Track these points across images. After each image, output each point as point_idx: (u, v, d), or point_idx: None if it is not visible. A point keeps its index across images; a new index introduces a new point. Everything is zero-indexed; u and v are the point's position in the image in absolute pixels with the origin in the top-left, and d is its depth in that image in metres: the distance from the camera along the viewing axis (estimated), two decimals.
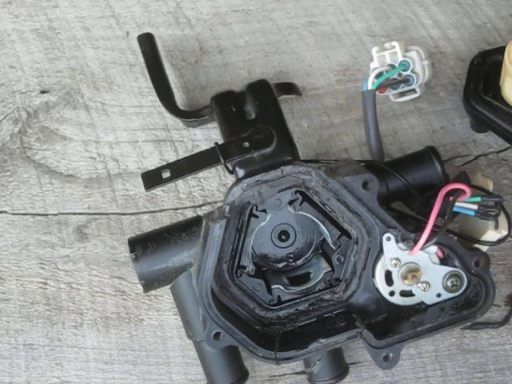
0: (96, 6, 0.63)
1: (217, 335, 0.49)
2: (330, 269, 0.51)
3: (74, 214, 0.59)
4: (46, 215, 0.59)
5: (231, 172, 0.51)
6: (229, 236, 0.49)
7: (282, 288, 0.52)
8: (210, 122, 0.59)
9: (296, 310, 0.52)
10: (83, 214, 0.59)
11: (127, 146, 0.60)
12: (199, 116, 0.57)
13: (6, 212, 0.59)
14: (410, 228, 0.49)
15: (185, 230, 0.52)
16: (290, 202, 0.51)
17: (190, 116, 0.58)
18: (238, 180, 0.50)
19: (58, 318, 0.58)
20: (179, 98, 0.60)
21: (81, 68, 0.62)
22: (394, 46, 0.56)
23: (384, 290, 0.50)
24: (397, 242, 0.49)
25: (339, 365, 0.53)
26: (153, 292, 0.57)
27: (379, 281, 0.50)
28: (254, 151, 0.50)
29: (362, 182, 0.48)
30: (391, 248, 0.49)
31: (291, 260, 0.53)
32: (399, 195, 0.52)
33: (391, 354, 0.49)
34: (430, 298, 0.50)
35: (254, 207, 0.50)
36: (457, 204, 0.49)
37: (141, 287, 0.52)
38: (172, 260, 0.51)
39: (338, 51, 0.62)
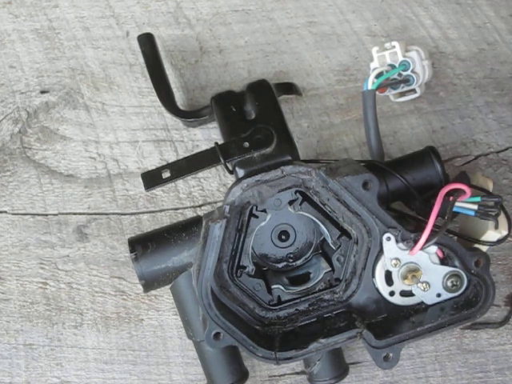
0: (96, 6, 0.63)
1: (217, 335, 0.49)
2: (329, 269, 0.51)
3: (74, 214, 0.59)
4: (46, 215, 0.59)
5: (231, 172, 0.51)
6: (229, 236, 0.49)
7: (282, 288, 0.52)
8: (209, 122, 0.59)
9: (296, 309, 0.52)
10: (83, 214, 0.59)
11: (127, 145, 0.60)
12: (199, 116, 0.57)
13: (6, 212, 0.59)
14: (409, 228, 0.49)
15: (185, 229, 0.52)
16: (290, 202, 0.51)
17: (190, 116, 0.58)
18: (238, 180, 0.50)
19: (58, 318, 0.58)
20: (179, 98, 0.60)
21: (81, 68, 0.62)
22: (394, 46, 0.56)
23: (384, 290, 0.50)
24: (397, 241, 0.49)
25: (339, 365, 0.53)
26: (153, 292, 0.57)
27: (379, 281, 0.50)
28: (254, 151, 0.50)
29: (362, 182, 0.48)
30: (391, 248, 0.49)
31: (291, 260, 0.53)
32: (399, 195, 0.52)
33: (391, 354, 0.49)
34: (430, 298, 0.50)
35: (254, 207, 0.50)
36: (457, 204, 0.49)
37: (141, 287, 0.52)
38: (172, 260, 0.51)
39: (338, 51, 0.62)
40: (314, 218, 0.51)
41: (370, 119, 0.53)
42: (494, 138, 0.59)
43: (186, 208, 0.59)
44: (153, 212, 0.59)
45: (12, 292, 0.58)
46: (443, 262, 0.50)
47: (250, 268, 0.51)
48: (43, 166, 0.60)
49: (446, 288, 0.50)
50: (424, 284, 0.50)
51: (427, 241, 0.48)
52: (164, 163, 0.59)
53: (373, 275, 0.50)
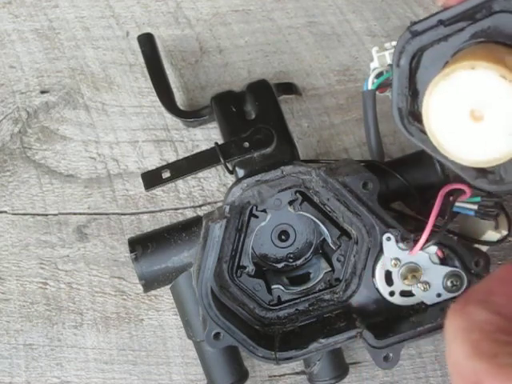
0: (96, 5, 0.63)
1: (217, 335, 0.49)
2: (329, 269, 0.51)
3: (74, 214, 0.59)
4: (46, 215, 0.59)
5: (231, 172, 0.51)
6: (229, 236, 0.49)
7: (282, 288, 0.52)
8: (209, 122, 0.59)
9: (296, 309, 0.52)
10: (83, 214, 0.59)
11: (127, 145, 0.60)
12: (199, 116, 0.57)
13: (5, 212, 0.59)
14: (409, 228, 0.49)
15: (185, 229, 0.52)
16: (290, 202, 0.51)
17: (190, 116, 0.58)
18: (238, 180, 0.50)
19: (58, 318, 0.58)
20: (179, 98, 0.60)
21: (81, 68, 0.62)
22: (394, 46, 0.55)
23: (384, 289, 0.50)
24: (397, 242, 0.49)
25: (339, 365, 0.53)
26: (153, 292, 0.57)
27: (379, 281, 0.50)
28: (254, 151, 0.50)
29: (362, 182, 0.48)
30: (391, 248, 0.49)
31: (291, 260, 0.53)
32: (399, 195, 0.52)
33: (391, 354, 0.49)
34: (430, 297, 0.50)
35: (254, 207, 0.50)
36: (457, 204, 0.49)
37: (141, 287, 0.52)
38: (172, 260, 0.51)
39: (338, 51, 0.62)
40: (314, 218, 0.51)
41: (370, 119, 0.52)
42: None
43: (186, 208, 0.59)
44: (153, 212, 0.59)
45: (12, 292, 0.58)
46: (443, 262, 0.50)
47: (250, 268, 0.51)
48: (43, 166, 0.60)
49: (446, 288, 0.50)
50: (424, 284, 0.50)
51: (427, 241, 0.48)
52: (164, 163, 0.59)
53: (373, 275, 0.50)
